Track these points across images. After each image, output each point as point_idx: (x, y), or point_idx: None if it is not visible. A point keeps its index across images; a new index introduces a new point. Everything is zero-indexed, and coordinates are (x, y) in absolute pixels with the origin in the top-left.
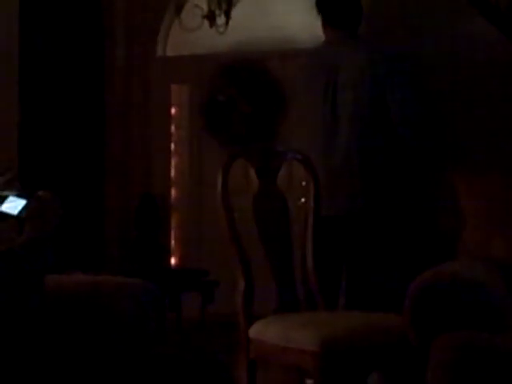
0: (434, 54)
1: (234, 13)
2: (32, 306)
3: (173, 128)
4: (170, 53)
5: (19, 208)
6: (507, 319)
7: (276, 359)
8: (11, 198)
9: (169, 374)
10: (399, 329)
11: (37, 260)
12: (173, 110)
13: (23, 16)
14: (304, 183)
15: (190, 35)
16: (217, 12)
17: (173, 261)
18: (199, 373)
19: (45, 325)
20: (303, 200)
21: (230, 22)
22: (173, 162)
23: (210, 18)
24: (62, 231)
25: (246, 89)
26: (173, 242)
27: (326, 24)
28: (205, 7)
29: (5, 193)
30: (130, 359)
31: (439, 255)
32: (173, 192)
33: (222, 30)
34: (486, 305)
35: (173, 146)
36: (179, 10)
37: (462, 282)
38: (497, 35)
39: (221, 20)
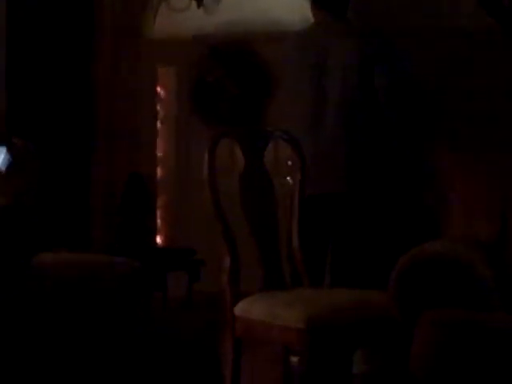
0: (423, 34)
1: None
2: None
3: (159, 109)
4: (157, 34)
5: (1, 158)
6: (490, 298)
7: (261, 337)
8: None
9: (155, 353)
10: (384, 305)
11: (22, 221)
12: (159, 91)
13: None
14: (290, 162)
15: (178, 16)
16: None
17: (159, 240)
18: (185, 351)
19: (30, 303)
20: (289, 179)
21: (218, 3)
22: (159, 143)
23: None
24: (44, 182)
25: (233, 70)
26: (159, 221)
27: (315, 5)
28: None
29: None
30: (117, 337)
31: (424, 235)
32: (159, 172)
33: (209, 10)
34: (470, 283)
35: (159, 125)
36: None
37: (446, 260)
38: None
39: (209, 1)
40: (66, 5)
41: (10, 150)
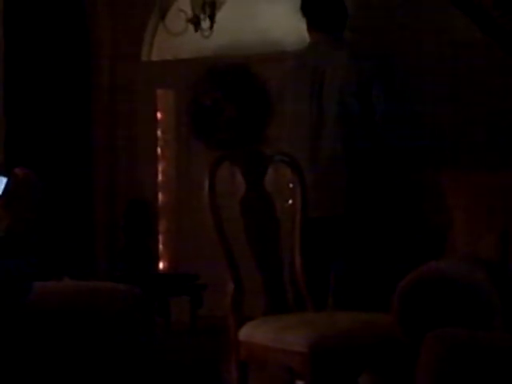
0: (420, 55)
1: (219, 16)
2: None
3: (159, 133)
4: (155, 57)
5: (1, 187)
6: (494, 317)
7: (266, 361)
8: None
9: (159, 379)
10: (388, 327)
11: (20, 251)
12: (159, 115)
13: (8, 21)
14: (291, 185)
15: (175, 39)
16: (201, 16)
17: (161, 265)
18: (190, 377)
19: (32, 330)
20: (290, 202)
21: (215, 26)
22: (160, 167)
23: (195, 22)
24: (45, 213)
25: (231, 93)
26: (161, 246)
27: (311, 27)
28: (189, 11)
29: None
30: (120, 364)
31: (427, 254)
32: (160, 197)
33: (206, 33)
34: (474, 303)
35: (159, 150)
36: (163, 14)
37: (449, 280)
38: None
39: (205, 24)
40: (63, 28)
41: (10, 181)
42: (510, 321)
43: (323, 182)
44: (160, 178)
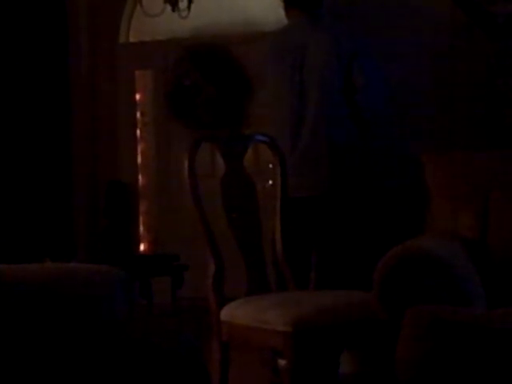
0: (399, 35)
1: None
2: None
3: (138, 114)
4: (132, 39)
5: None
6: (472, 294)
7: (248, 341)
8: None
9: (141, 360)
10: (369, 306)
11: None
12: (137, 96)
13: None
14: (271, 166)
15: (153, 20)
16: None
17: (142, 247)
18: (171, 357)
19: (13, 313)
20: (270, 182)
21: (192, 6)
22: (139, 149)
23: (172, 2)
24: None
25: (210, 73)
26: (141, 228)
27: (288, 6)
28: None
29: None
30: (102, 346)
31: (406, 232)
32: (140, 178)
33: (184, 14)
34: (452, 280)
35: (138, 132)
36: None
37: (428, 257)
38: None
39: (183, 4)
40: (41, 12)
41: None
42: (489, 297)
43: (304, 161)
44: (139, 159)
